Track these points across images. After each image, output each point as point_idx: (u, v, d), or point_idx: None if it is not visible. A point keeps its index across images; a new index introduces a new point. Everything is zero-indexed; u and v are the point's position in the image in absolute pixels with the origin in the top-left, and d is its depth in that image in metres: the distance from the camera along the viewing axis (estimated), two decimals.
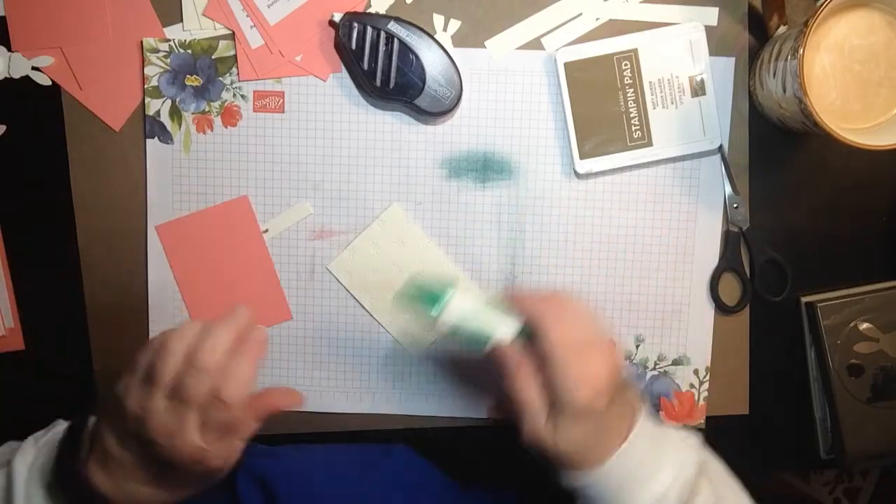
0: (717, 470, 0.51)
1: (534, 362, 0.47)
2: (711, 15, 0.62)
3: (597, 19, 0.62)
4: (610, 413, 0.47)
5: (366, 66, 0.60)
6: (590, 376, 0.46)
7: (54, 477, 0.45)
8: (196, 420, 0.43)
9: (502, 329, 0.48)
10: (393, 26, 0.59)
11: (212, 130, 0.63)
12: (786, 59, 0.54)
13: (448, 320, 0.48)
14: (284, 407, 0.47)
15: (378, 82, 0.60)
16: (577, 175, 0.63)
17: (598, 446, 0.47)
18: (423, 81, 0.60)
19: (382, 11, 0.62)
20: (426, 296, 0.48)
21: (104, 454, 0.45)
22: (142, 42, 0.62)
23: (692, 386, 0.65)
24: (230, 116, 0.63)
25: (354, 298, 0.65)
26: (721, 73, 0.62)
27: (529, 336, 0.48)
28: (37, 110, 0.63)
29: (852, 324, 0.63)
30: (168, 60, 0.62)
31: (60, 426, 0.49)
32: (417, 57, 0.60)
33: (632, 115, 0.61)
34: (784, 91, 0.55)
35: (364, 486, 0.56)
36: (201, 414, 0.43)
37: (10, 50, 0.63)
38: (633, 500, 0.46)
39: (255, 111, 0.63)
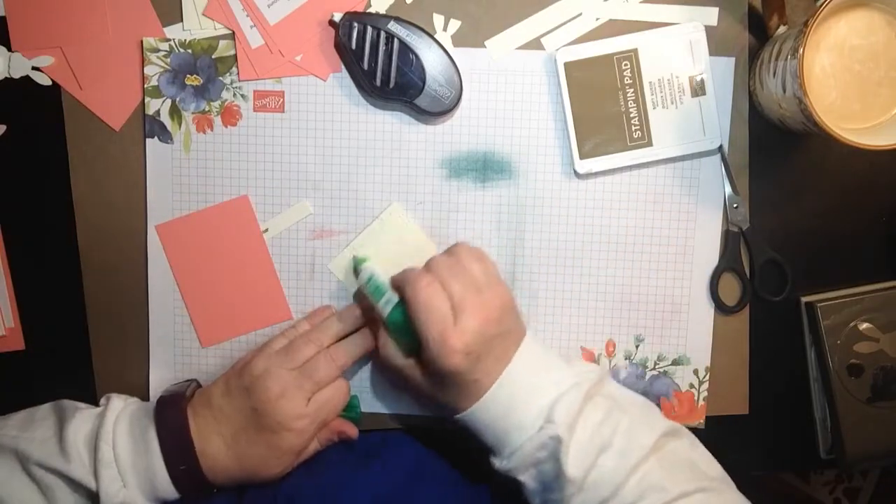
0: (626, 396, 0.54)
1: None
2: (711, 15, 0.62)
3: (597, 19, 0.62)
4: (482, 360, 0.50)
5: (366, 65, 0.60)
6: (452, 340, 0.49)
7: (145, 415, 0.54)
8: (308, 392, 0.55)
9: (390, 295, 0.55)
10: (393, 26, 0.59)
11: (212, 130, 0.63)
12: (786, 59, 0.55)
13: (362, 276, 0.58)
14: (345, 432, 0.59)
15: (378, 82, 0.60)
16: (577, 175, 0.63)
17: (473, 389, 0.51)
18: (423, 81, 0.60)
19: (382, 11, 0.62)
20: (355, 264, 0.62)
21: (206, 399, 0.55)
22: (142, 42, 0.62)
23: (692, 386, 0.65)
24: (230, 116, 0.63)
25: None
26: (721, 73, 0.62)
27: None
28: (37, 110, 0.63)
29: (852, 324, 0.63)
30: (168, 60, 0.62)
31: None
32: (417, 57, 0.60)
33: (632, 115, 0.61)
34: (784, 91, 0.55)
35: (367, 475, 0.56)
36: (314, 389, 0.55)
37: (10, 50, 0.63)
38: (522, 422, 0.50)
39: (255, 111, 0.63)
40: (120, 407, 0.55)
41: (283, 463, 0.55)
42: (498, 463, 0.52)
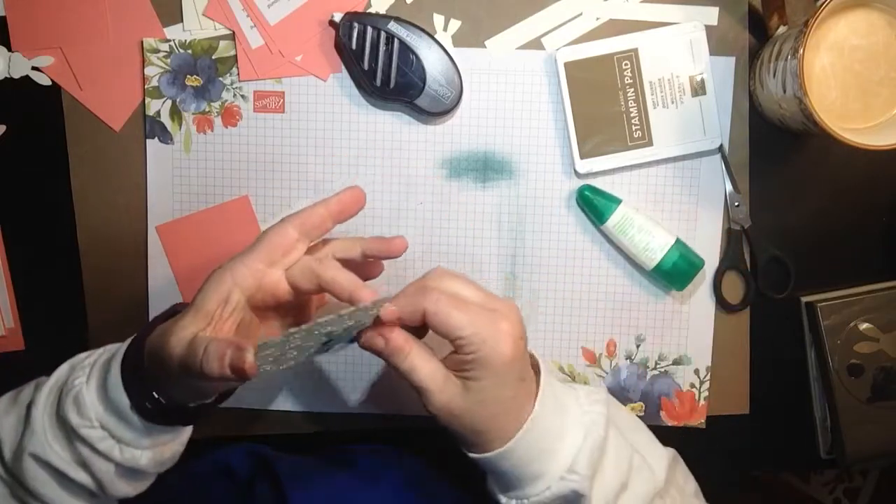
0: (628, 421, 0.52)
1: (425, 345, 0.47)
2: (711, 15, 0.62)
3: (597, 19, 0.62)
4: (519, 382, 0.46)
5: (366, 66, 0.60)
6: (504, 332, 0.44)
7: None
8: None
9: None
10: (393, 26, 0.59)
11: (212, 130, 0.63)
12: (786, 59, 0.55)
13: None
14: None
15: (378, 82, 0.60)
16: (577, 175, 0.63)
17: (507, 416, 0.46)
18: (423, 81, 0.60)
19: (382, 11, 0.62)
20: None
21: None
22: (142, 42, 0.62)
23: (693, 385, 0.65)
24: (230, 116, 0.63)
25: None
26: (721, 72, 0.62)
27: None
28: (37, 110, 0.63)
29: (852, 324, 0.63)
30: (168, 61, 0.62)
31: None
32: (417, 57, 0.60)
33: (632, 115, 0.61)
34: (784, 91, 0.56)
35: (369, 491, 0.56)
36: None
37: (10, 50, 0.63)
38: (543, 471, 0.46)
39: (255, 111, 0.63)
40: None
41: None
42: (505, 501, 0.48)
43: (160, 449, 0.48)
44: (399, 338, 0.46)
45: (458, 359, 0.45)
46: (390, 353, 0.46)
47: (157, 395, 0.46)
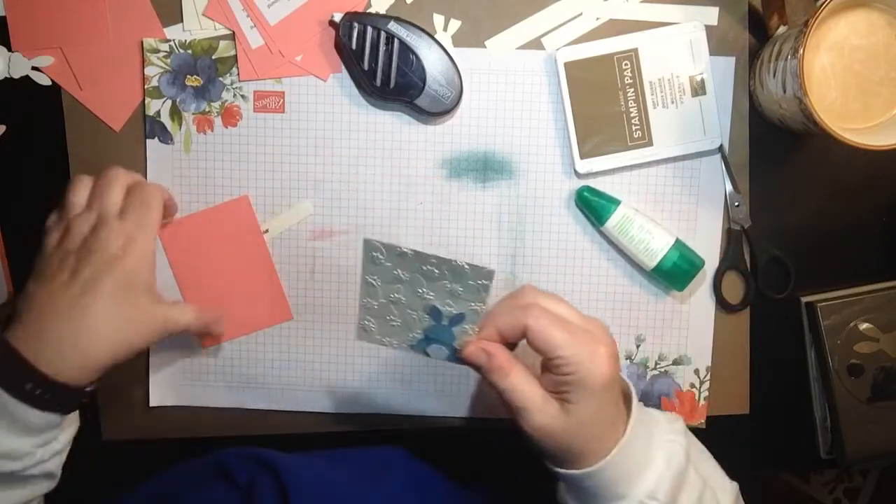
0: (699, 451, 0.51)
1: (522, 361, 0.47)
2: (711, 15, 0.62)
3: (597, 19, 0.62)
4: (614, 405, 0.46)
5: (366, 66, 0.60)
6: (602, 354, 0.44)
7: None
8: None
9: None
10: (393, 26, 0.59)
11: (212, 130, 0.63)
12: (786, 59, 0.55)
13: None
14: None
15: (378, 82, 0.60)
16: (577, 175, 0.63)
17: (602, 438, 0.45)
18: (423, 81, 0.60)
19: (382, 11, 0.62)
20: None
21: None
22: (142, 42, 0.62)
23: (693, 385, 0.65)
24: (230, 116, 0.63)
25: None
26: (721, 72, 0.62)
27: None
28: (37, 110, 0.63)
29: (852, 324, 0.63)
30: (168, 61, 0.62)
31: None
32: (417, 57, 0.60)
33: (632, 115, 0.61)
34: (784, 91, 0.56)
35: (372, 492, 0.56)
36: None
37: (10, 50, 0.63)
38: (626, 493, 0.45)
39: (255, 111, 0.63)
40: None
41: (138, 312, 0.50)
42: None
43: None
44: (502, 356, 0.46)
45: (555, 379, 0.45)
46: (491, 370, 0.46)
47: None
